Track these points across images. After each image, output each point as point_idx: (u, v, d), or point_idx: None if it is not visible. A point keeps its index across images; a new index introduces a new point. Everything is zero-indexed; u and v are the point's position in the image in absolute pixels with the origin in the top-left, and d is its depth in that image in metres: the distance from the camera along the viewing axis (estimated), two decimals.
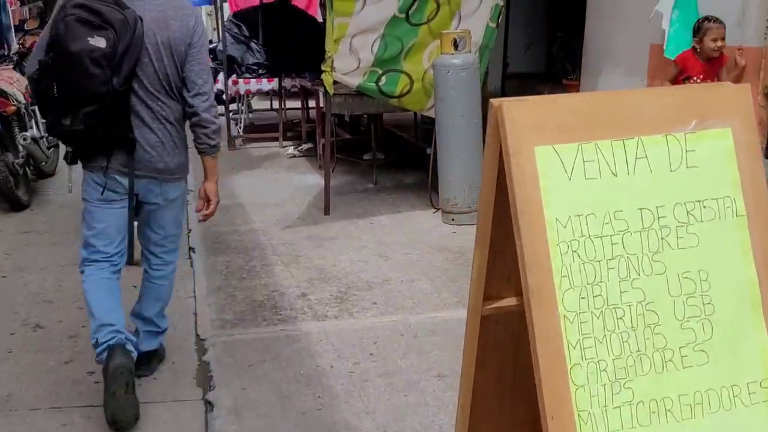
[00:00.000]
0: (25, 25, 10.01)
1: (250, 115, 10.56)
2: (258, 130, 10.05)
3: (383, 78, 5.98)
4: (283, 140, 9.21)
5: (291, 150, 8.69)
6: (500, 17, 6.24)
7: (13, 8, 14.29)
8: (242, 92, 9.50)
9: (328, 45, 5.78)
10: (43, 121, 6.19)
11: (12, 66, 6.76)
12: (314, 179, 7.35)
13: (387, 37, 5.90)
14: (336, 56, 5.81)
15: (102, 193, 3.00)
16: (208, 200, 3.18)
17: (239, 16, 10.21)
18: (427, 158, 6.27)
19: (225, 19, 9.83)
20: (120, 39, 2.76)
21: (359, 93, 6.18)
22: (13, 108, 5.84)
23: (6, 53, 6.87)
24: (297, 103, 9.69)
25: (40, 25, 17.94)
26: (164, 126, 3.02)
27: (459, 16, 6.03)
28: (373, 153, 7.08)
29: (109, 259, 3.08)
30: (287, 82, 9.45)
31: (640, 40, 5.76)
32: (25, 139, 5.95)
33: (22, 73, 6.89)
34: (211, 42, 20.46)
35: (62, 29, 2.74)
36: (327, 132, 6.36)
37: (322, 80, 5.98)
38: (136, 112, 2.96)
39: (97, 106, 2.79)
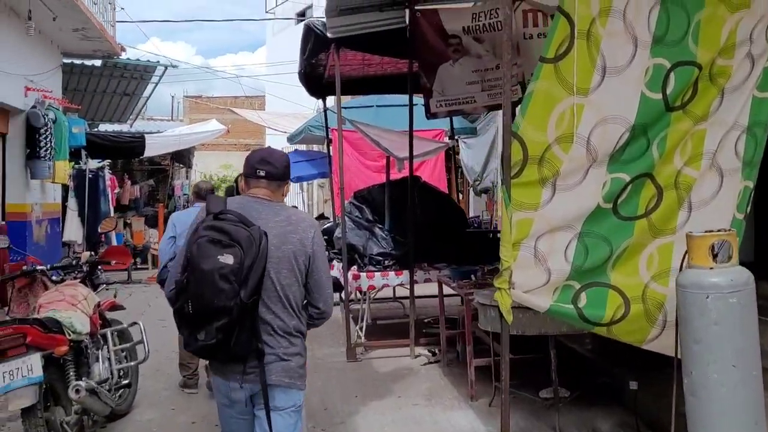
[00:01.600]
0: (100, 227, 8.73)
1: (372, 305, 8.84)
2: (382, 331, 8.26)
3: (583, 296, 4.07)
4: (415, 344, 7.39)
5: (426, 358, 6.83)
6: (749, 205, 4.29)
7: (117, 190, 13.50)
8: (364, 288, 7.79)
9: (504, 251, 3.96)
10: (115, 349, 5.20)
11: (81, 279, 5.27)
12: (466, 420, 5.38)
13: (587, 237, 4.05)
14: (515, 267, 3.98)
15: (229, 401, 3.14)
16: None
17: (361, 196, 8.70)
18: (630, 395, 4.50)
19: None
20: (246, 254, 2.89)
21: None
22: (64, 348, 4.24)
23: (75, 262, 5.37)
24: (428, 288, 7.94)
25: (134, 208, 17.61)
26: (281, 338, 3.10)
27: (689, 204, 4.15)
28: (554, 389, 5.05)
29: None
30: (419, 275, 7.71)
31: None
32: (78, 392, 4.29)
33: (94, 287, 5.38)
34: (323, 216, 19.45)
35: (195, 250, 2.93)
36: (503, 375, 4.42)
37: (492, 298, 4.13)
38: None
39: (227, 319, 2.89)
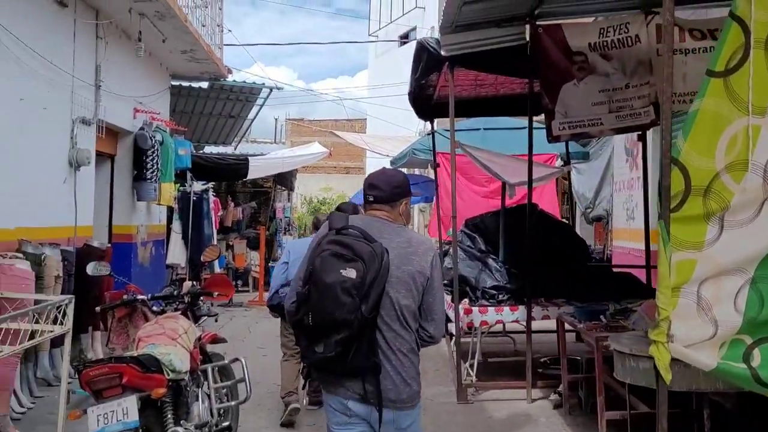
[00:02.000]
0: (203, 256, 8.51)
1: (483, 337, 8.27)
2: (494, 370, 7.68)
3: (756, 354, 3.43)
4: (532, 386, 6.79)
5: (549, 402, 6.20)
6: None
7: (220, 213, 13.44)
8: (476, 324, 7.24)
9: (662, 298, 3.38)
10: (216, 386, 4.95)
11: (182, 310, 4.95)
12: None
13: (761, 282, 3.42)
14: (675, 316, 3.39)
15: (344, 417, 3.12)
16: None
17: (473, 224, 8.18)
18: None
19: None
20: (368, 269, 2.91)
21: None
22: (162, 390, 3.88)
23: (176, 292, 5.07)
24: (545, 322, 7.35)
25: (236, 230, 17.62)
26: (397, 356, 3.09)
27: None
28: None
29: None
30: (536, 312, 7.11)
31: None
32: None
33: (195, 319, 5.06)
34: None
35: (318, 263, 2.98)
36: None
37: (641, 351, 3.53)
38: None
39: (347, 333, 2.90)
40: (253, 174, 15.59)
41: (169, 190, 10.74)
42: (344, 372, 3.03)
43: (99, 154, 9.64)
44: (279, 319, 6.57)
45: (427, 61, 7.39)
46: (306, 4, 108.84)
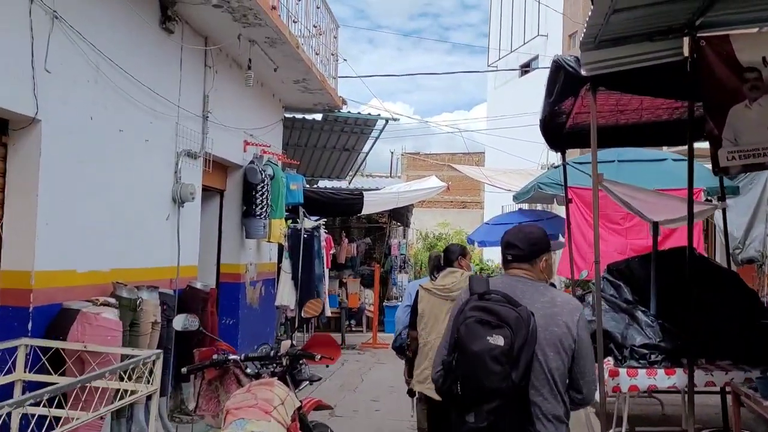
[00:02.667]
0: (304, 311, 7.80)
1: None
2: None
3: None
4: None
5: None
6: None
7: (333, 251, 12.81)
8: (624, 389, 6.14)
9: None
10: None
11: (279, 374, 4.19)
12: None
13: None
14: None
15: None
16: None
17: (616, 270, 7.10)
18: None
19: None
20: (516, 335, 2.84)
21: None
22: None
23: (273, 352, 4.31)
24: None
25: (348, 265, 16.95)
26: (550, 423, 3.01)
27: None
28: None
29: None
30: (698, 376, 5.95)
31: None
32: None
33: (296, 384, 4.28)
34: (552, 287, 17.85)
35: (463, 331, 2.93)
36: None
37: None
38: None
39: (499, 402, 2.85)
40: (367, 209, 14.97)
41: (279, 227, 10.18)
42: None
43: (207, 189, 9.18)
44: (402, 362, 6.19)
45: (564, 82, 6.43)
46: (422, 42, 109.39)
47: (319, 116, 12.56)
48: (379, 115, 12.72)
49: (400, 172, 31.13)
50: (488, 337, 2.85)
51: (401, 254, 17.66)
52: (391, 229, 18.88)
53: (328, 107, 12.01)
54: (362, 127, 13.26)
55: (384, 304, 16.77)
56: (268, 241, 10.32)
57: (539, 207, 19.22)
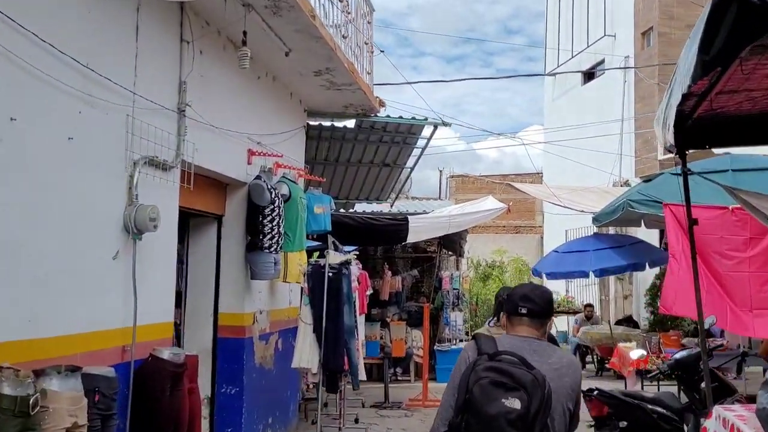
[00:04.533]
0: None
1: None
2: None
3: None
4: None
5: None
6: None
7: (369, 291, 10.23)
8: None
9: None
10: None
11: None
12: None
13: None
14: None
15: None
16: None
17: None
18: None
19: None
20: (532, 399, 2.80)
21: None
22: None
23: None
24: None
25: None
26: None
27: None
28: None
29: None
30: None
31: None
32: None
33: None
34: (630, 319, 14.95)
35: (477, 392, 2.84)
36: None
37: None
38: None
39: None
40: (414, 237, 12.47)
41: (299, 263, 7.72)
42: None
43: (194, 213, 6.79)
44: None
45: (735, 25, 3.87)
46: (466, 68, 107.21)
47: (351, 123, 10.12)
48: (426, 119, 10.20)
49: (449, 196, 28.52)
50: (504, 400, 2.78)
51: (454, 289, 15.03)
52: (441, 260, 16.31)
53: (362, 111, 9.57)
54: (405, 135, 10.74)
55: (435, 347, 14.17)
56: (285, 281, 7.87)
57: (611, 231, 16.51)
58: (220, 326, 7.26)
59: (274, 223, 7.21)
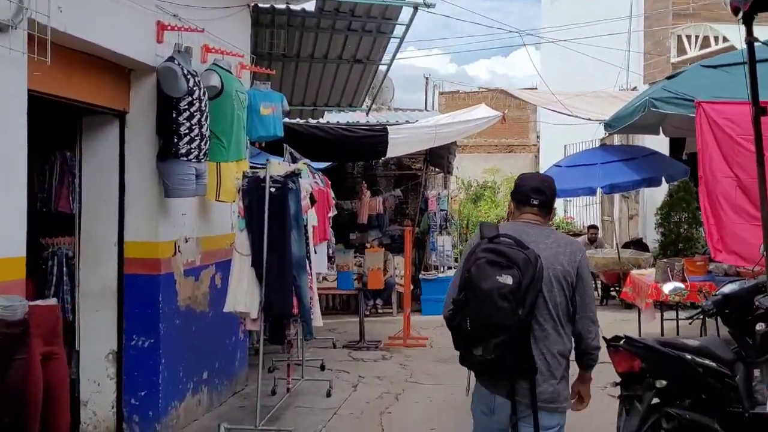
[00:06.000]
0: None
1: None
2: None
3: None
4: None
5: None
6: None
7: (331, 213, 8.32)
8: None
9: None
10: None
11: None
12: None
13: None
14: None
15: (490, 411, 3.28)
16: (581, 399, 3.52)
17: None
18: None
19: None
20: (524, 275, 3.03)
21: None
22: None
23: None
24: None
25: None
26: (552, 358, 3.21)
27: None
28: None
29: None
30: None
31: None
32: None
33: None
34: (640, 242, 13.27)
35: (474, 271, 3.09)
36: None
37: None
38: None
39: (505, 336, 3.03)
40: (395, 151, 10.60)
41: (236, 176, 5.90)
42: (501, 374, 3.16)
43: (88, 109, 4.97)
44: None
45: None
46: None
47: (312, 5, 8.14)
48: None
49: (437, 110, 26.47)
50: (498, 277, 3.00)
51: (441, 210, 13.26)
52: (427, 178, 14.51)
53: None
54: (379, 21, 8.69)
55: (421, 276, 12.51)
56: (217, 200, 6.08)
57: (618, 141, 14.70)
58: (128, 259, 5.49)
59: (194, 121, 5.36)
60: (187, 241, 5.96)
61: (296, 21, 8.52)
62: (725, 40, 12.02)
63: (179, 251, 5.82)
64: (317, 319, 5.89)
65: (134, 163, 5.51)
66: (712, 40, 12.77)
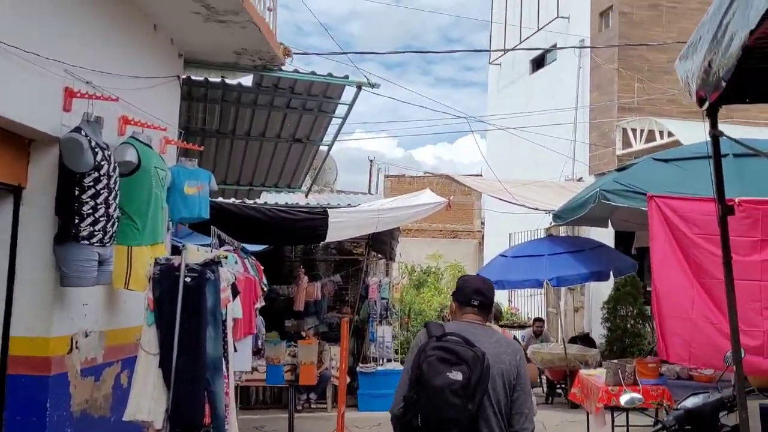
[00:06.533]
0: None
1: None
2: None
3: None
4: None
5: None
6: None
7: (258, 304, 7.63)
8: None
9: None
10: None
11: None
12: None
13: None
14: None
15: None
16: None
17: None
18: None
19: None
20: (473, 372, 3.18)
21: None
22: None
23: None
24: None
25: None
26: None
27: None
28: None
29: None
30: None
31: None
32: None
33: None
34: (587, 337, 12.81)
35: (426, 368, 3.23)
36: None
37: None
38: None
39: (456, 430, 3.16)
40: (335, 235, 9.98)
41: (146, 262, 5.21)
42: None
43: None
44: None
45: None
46: (406, 74, 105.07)
47: (249, 80, 7.64)
48: (347, 76, 7.74)
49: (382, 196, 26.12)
50: (448, 373, 3.14)
51: (383, 298, 12.63)
52: (369, 264, 13.94)
53: (260, 61, 7.10)
54: (320, 100, 8.24)
55: (358, 369, 11.76)
56: (126, 288, 5.37)
57: (563, 231, 14.39)
58: (12, 357, 4.71)
59: (100, 200, 4.71)
60: (87, 336, 5.20)
61: (232, 96, 8.01)
62: (670, 134, 11.98)
63: (76, 347, 5.06)
64: (233, 429, 5.13)
65: (28, 245, 4.80)
66: (657, 134, 12.73)
